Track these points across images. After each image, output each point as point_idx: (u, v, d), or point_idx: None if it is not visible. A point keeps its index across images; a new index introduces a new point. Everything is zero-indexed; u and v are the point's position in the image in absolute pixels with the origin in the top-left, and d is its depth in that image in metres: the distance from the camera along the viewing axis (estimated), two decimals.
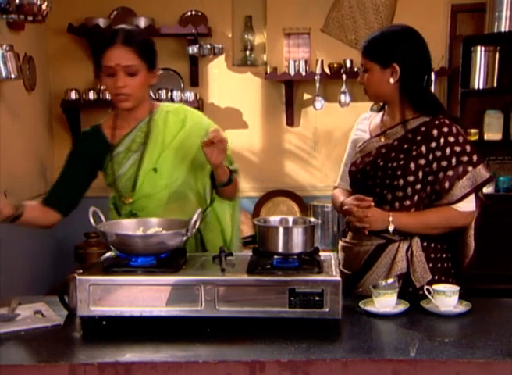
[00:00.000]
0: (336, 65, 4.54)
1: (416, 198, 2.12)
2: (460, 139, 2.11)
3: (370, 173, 2.16)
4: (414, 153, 2.10)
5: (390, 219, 2.07)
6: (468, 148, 2.10)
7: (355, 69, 4.43)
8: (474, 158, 2.09)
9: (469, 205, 2.10)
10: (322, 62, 4.54)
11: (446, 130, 2.10)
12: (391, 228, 2.08)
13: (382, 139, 2.18)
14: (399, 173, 2.10)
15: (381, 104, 2.32)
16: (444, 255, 2.17)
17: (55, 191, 2.24)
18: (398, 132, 2.16)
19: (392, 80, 2.12)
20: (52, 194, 2.23)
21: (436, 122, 2.12)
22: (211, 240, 2.26)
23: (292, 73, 4.54)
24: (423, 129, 2.11)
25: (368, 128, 2.28)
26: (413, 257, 2.11)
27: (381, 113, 2.29)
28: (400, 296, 1.94)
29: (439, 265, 2.15)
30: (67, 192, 2.22)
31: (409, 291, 2.10)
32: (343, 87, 4.44)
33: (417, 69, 2.13)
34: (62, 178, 2.24)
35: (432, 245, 2.15)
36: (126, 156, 2.19)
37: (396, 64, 2.10)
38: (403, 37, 2.15)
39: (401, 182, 2.11)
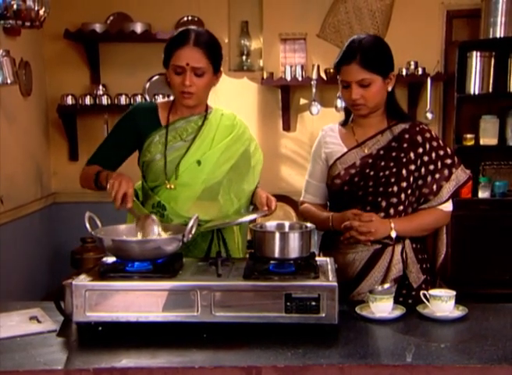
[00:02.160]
0: (332, 70, 4.55)
1: (407, 202, 2.17)
2: (441, 143, 2.21)
3: (360, 184, 2.17)
4: (404, 160, 2.15)
5: (392, 225, 2.10)
6: (449, 150, 2.21)
7: None
8: (456, 159, 2.20)
9: (450, 204, 2.21)
10: (318, 67, 4.56)
11: (428, 135, 2.20)
12: (394, 234, 2.11)
13: (366, 150, 2.19)
14: (392, 180, 2.15)
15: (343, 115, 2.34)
16: (426, 256, 2.25)
17: (98, 153, 2.29)
18: (379, 140, 2.19)
19: (390, 88, 2.17)
20: (95, 156, 2.29)
21: (417, 128, 2.20)
22: (230, 242, 2.32)
23: (288, 78, 4.56)
24: (406, 136, 2.18)
25: (341, 140, 2.26)
26: (407, 259, 2.17)
27: (347, 125, 2.29)
28: (396, 299, 1.96)
29: (424, 265, 2.21)
30: (109, 157, 2.26)
31: (403, 293, 2.14)
32: (339, 92, 4.44)
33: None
34: (107, 143, 2.30)
35: (418, 246, 2.22)
36: (173, 140, 2.22)
37: (392, 72, 2.16)
38: (387, 46, 2.20)
39: (395, 188, 2.14)
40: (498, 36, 4.38)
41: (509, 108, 4.60)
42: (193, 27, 2.21)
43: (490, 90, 4.52)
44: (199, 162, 2.21)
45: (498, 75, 4.51)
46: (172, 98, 2.34)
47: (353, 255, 2.19)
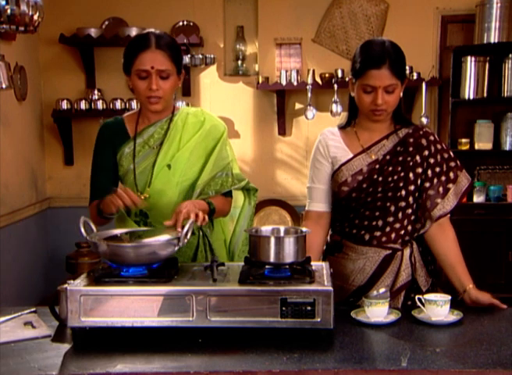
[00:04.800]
0: (327, 75, 4.57)
1: (415, 205, 2.16)
2: (444, 146, 2.21)
3: (369, 190, 2.14)
4: (411, 163, 2.14)
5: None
6: (451, 153, 2.21)
7: (346, 79, 4.46)
8: (458, 162, 2.20)
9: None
10: (314, 71, 4.57)
11: (432, 138, 2.19)
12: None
13: (373, 156, 2.16)
14: (401, 184, 2.13)
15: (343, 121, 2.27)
16: (430, 258, 2.23)
17: (93, 188, 2.26)
18: (385, 146, 2.17)
19: (401, 94, 2.13)
20: (92, 193, 2.25)
21: (420, 132, 2.19)
22: (218, 248, 2.29)
23: (283, 82, 4.57)
24: (411, 140, 2.16)
25: (344, 145, 2.20)
26: (416, 262, 2.17)
27: (348, 129, 2.23)
28: (405, 303, 2.03)
29: (430, 267, 2.21)
30: (106, 185, 2.21)
31: (411, 297, 2.13)
32: (335, 97, 4.46)
33: None
34: (97, 172, 2.27)
35: (424, 249, 2.20)
36: (142, 150, 2.21)
37: (405, 78, 2.13)
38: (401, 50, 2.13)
39: (403, 192, 2.13)
40: (492, 41, 4.40)
41: (503, 113, 4.61)
42: (151, 30, 2.16)
43: (485, 95, 4.55)
44: (169, 166, 2.18)
45: (492, 80, 4.54)
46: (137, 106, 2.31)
47: (363, 261, 2.17)
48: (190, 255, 2.24)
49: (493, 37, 4.40)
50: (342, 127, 2.25)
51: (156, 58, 2.08)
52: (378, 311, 1.86)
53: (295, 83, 4.56)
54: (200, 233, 2.26)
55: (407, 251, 2.16)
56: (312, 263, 1.90)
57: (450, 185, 2.15)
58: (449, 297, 1.89)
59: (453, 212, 2.17)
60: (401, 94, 2.13)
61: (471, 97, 4.54)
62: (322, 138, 2.25)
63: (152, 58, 2.08)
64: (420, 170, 2.14)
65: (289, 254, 1.82)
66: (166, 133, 2.21)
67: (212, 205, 2.15)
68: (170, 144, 2.20)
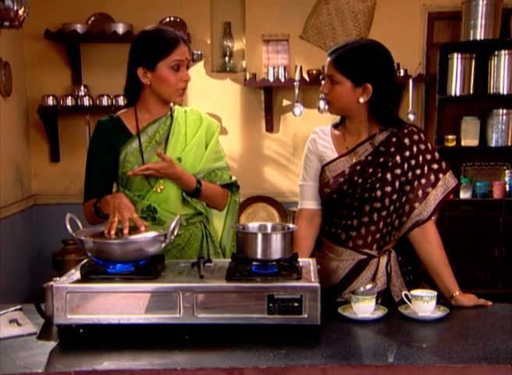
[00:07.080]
0: (314, 71, 4.57)
1: (392, 208, 2.11)
2: (429, 146, 2.13)
3: (348, 192, 2.12)
4: (390, 164, 2.09)
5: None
6: (437, 155, 2.13)
7: None
8: (443, 165, 2.12)
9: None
10: (301, 68, 4.57)
11: (416, 137, 2.12)
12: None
13: (354, 159, 2.14)
14: (377, 185, 2.09)
15: (337, 119, 2.25)
16: (410, 268, 2.20)
17: (88, 187, 2.25)
18: (369, 148, 2.14)
19: (362, 100, 2.07)
20: (87, 191, 2.24)
21: (405, 130, 2.12)
22: (216, 241, 2.37)
23: (271, 79, 4.57)
24: (394, 139, 2.11)
25: (333, 145, 2.20)
26: (392, 272, 2.13)
27: (340, 128, 2.22)
28: None
29: (407, 278, 2.18)
30: (99, 186, 2.23)
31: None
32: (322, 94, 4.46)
33: (387, 87, 2.11)
34: (93, 170, 2.26)
35: (404, 259, 2.17)
36: (148, 145, 2.23)
37: (369, 84, 2.06)
38: (377, 56, 2.08)
39: (379, 193, 2.09)
40: (478, 38, 4.43)
41: (489, 110, 4.65)
42: (170, 28, 2.25)
43: (471, 91, 4.58)
44: (180, 159, 2.22)
45: (478, 77, 4.57)
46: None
47: (337, 263, 2.16)
48: (196, 247, 2.28)
49: (479, 34, 4.42)
50: (335, 126, 2.25)
51: (186, 50, 2.21)
52: (364, 307, 1.86)
53: (282, 80, 4.56)
54: (202, 225, 2.31)
55: (383, 259, 2.12)
56: (299, 259, 1.90)
57: (430, 189, 2.08)
58: (436, 293, 1.90)
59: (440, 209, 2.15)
60: (360, 100, 2.07)
61: (458, 93, 4.57)
62: (313, 136, 2.26)
63: (184, 50, 2.21)
64: (399, 171, 2.08)
65: (277, 250, 1.82)
66: (170, 128, 2.26)
67: (201, 185, 2.21)
68: (176, 138, 2.25)
